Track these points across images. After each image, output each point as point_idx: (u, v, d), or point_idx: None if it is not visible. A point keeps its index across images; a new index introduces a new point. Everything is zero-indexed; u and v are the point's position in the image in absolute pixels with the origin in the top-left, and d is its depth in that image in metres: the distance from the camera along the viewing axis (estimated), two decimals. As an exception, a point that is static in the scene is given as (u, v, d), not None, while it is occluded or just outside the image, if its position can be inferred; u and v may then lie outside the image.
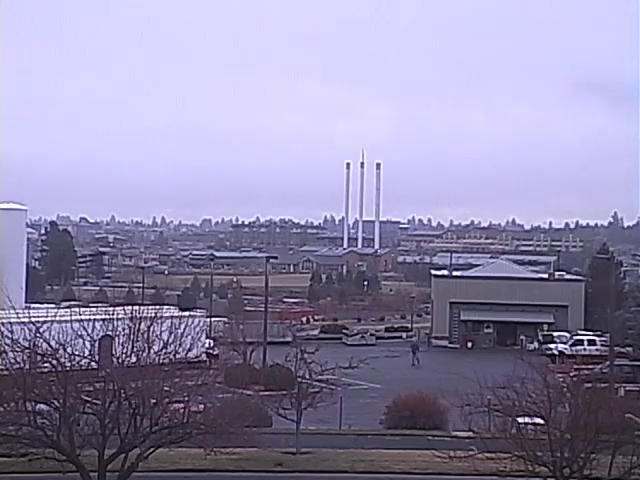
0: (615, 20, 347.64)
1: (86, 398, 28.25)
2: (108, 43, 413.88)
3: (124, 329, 28.56)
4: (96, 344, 29.14)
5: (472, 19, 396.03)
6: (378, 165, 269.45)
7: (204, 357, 38.33)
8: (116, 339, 28.74)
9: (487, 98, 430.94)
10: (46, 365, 27.61)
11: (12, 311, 31.02)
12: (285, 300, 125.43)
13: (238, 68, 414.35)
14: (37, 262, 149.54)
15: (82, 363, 28.18)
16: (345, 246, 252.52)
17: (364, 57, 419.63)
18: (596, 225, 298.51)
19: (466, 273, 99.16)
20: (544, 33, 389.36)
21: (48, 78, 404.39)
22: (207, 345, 54.77)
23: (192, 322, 32.54)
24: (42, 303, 72.65)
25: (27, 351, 27.51)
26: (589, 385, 29.96)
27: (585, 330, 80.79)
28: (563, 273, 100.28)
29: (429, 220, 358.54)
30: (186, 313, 49.39)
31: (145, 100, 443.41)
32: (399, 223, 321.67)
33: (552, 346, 73.58)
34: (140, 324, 28.47)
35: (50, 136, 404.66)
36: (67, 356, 27.63)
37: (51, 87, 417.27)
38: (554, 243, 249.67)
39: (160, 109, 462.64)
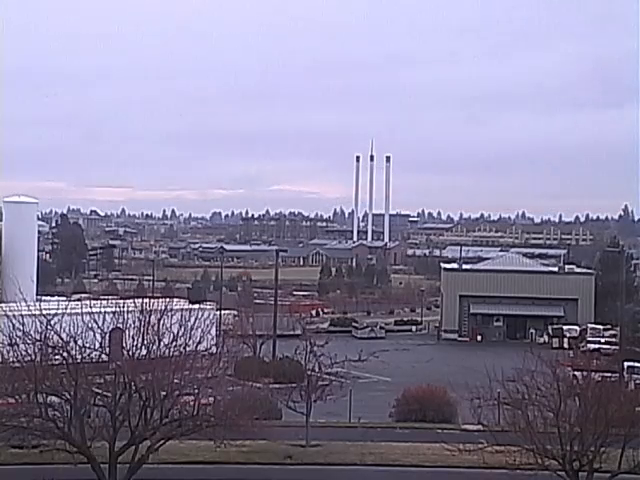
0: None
1: (97, 390, 28.43)
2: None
3: (134, 322, 28.71)
4: (106, 337, 29.32)
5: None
6: (388, 158, 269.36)
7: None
8: (126, 332, 28.87)
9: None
10: (57, 357, 27.78)
11: (23, 304, 31.13)
12: (295, 293, 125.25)
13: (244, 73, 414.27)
14: (48, 255, 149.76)
15: (93, 355, 28.36)
16: (355, 239, 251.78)
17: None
18: (606, 218, 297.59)
19: (476, 266, 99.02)
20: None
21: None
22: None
23: (202, 315, 32.62)
24: (53, 296, 72.58)
25: (38, 343, 27.68)
26: (599, 379, 29.95)
27: (595, 323, 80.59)
28: (573, 266, 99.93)
29: (439, 213, 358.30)
30: (196, 306, 49.40)
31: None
32: (409, 216, 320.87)
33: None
34: (150, 317, 28.61)
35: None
36: (78, 348, 27.79)
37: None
38: (564, 236, 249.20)
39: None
